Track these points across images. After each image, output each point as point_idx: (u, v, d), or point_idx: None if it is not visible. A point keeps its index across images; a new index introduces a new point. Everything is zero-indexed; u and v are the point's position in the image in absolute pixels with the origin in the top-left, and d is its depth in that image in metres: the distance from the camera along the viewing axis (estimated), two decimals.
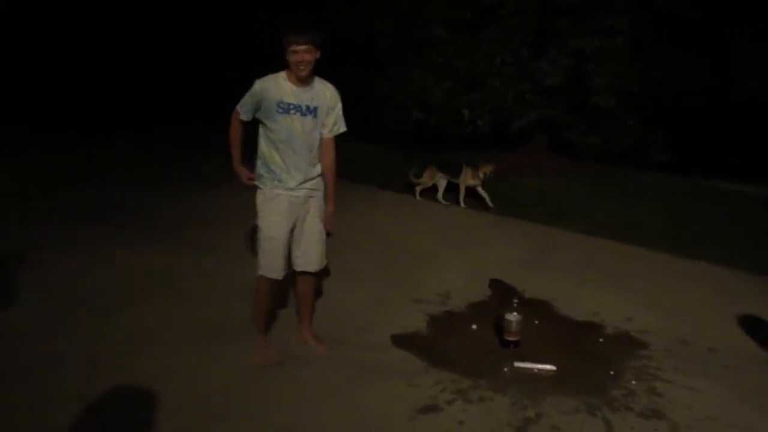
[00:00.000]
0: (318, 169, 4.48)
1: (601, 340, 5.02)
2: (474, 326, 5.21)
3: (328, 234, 4.64)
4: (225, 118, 4.52)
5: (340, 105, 4.46)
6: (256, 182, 4.42)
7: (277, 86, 4.21)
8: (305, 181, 4.40)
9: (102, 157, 13.10)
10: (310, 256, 4.55)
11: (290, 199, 4.36)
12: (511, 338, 4.80)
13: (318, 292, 5.55)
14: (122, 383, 4.17)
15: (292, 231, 4.44)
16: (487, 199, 9.32)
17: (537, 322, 5.30)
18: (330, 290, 5.88)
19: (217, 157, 11.67)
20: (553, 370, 4.46)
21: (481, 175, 9.22)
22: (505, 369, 4.51)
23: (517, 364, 4.55)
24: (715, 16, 10.55)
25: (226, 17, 18.53)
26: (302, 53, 4.06)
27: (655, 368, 4.54)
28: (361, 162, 12.10)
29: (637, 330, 5.16)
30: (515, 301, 4.83)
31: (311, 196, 4.48)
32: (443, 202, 9.53)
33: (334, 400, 4.05)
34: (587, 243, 7.60)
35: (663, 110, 11.31)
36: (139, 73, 21.09)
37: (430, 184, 9.68)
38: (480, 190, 9.36)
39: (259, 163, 4.40)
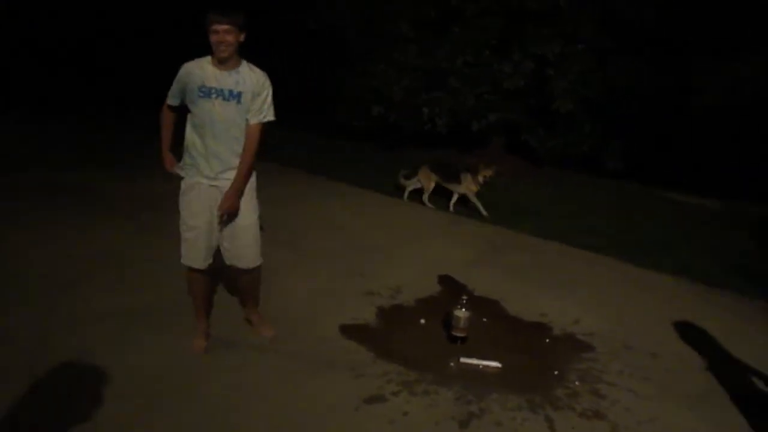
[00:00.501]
0: (238, 158, 4.24)
1: (547, 340, 5.06)
2: (422, 321, 5.22)
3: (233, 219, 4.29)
4: None
5: (268, 92, 4.20)
6: (177, 170, 4.28)
7: (200, 70, 4.05)
8: (225, 171, 4.17)
9: (63, 137, 12.90)
10: (238, 252, 4.38)
11: (209, 188, 4.17)
12: (458, 334, 4.82)
13: (267, 280, 5.53)
14: (68, 362, 4.13)
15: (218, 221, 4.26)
16: (480, 208, 8.89)
17: (485, 320, 5.32)
18: (281, 279, 5.84)
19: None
20: (499, 367, 4.49)
21: (480, 179, 8.81)
22: (452, 364, 4.53)
23: (463, 359, 4.56)
24: (677, 28, 10.71)
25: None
26: (223, 33, 3.91)
27: (599, 371, 4.59)
28: (324, 155, 12.09)
29: (584, 332, 5.22)
30: (464, 297, 4.85)
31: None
32: (429, 204, 9.22)
33: (280, 388, 4.05)
34: (539, 245, 7.66)
35: (621, 118, 11.46)
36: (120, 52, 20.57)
37: (424, 186, 9.22)
38: (473, 197, 8.96)
39: (184, 149, 4.24)
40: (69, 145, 11.98)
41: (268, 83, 4.19)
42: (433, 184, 9.19)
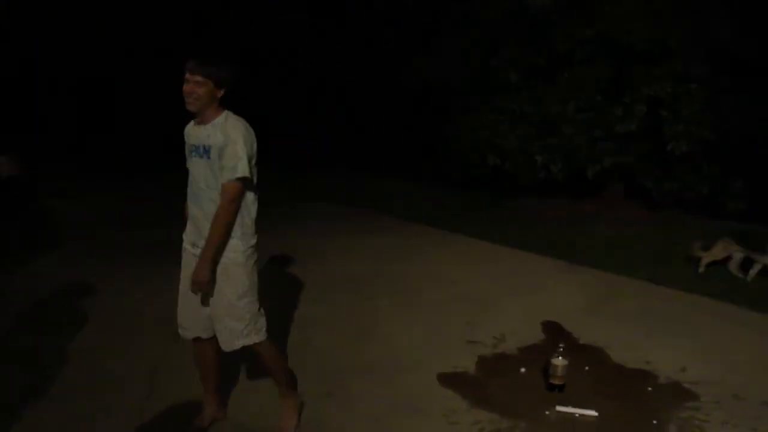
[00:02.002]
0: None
1: (650, 389, 4.97)
2: (522, 369, 5.24)
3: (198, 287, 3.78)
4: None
5: (235, 146, 3.67)
6: None
7: (189, 129, 3.92)
8: (202, 239, 3.78)
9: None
10: (217, 330, 3.99)
11: (193, 257, 3.86)
12: (555, 382, 4.82)
13: (372, 329, 5.75)
14: (176, 404, 4.44)
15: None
16: None
17: (587, 368, 5.28)
18: (387, 328, 6.04)
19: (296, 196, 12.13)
20: (595, 416, 4.45)
21: None
22: (547, 413, 4.53)
23: (559, 408, 4.56)
24: None
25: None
26: (194, 85, 3.66)
27: (701, 420, 4.47)
28: (438, 207, 12.24)
29: (690, 381, 5.08)
30: (561, 345, 4.85)
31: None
32: (739, 274, 8.28)
33: (379, 429, 4.19)
34: (651, 292, 7.48)
35: (740, 158, 11.06)
36: None
37: (721, 257, 8.45)
38: None
39: None
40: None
41: (236, 134, 3.69)
42: (741, 255, 8.39)
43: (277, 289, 7.06)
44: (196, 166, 3.81)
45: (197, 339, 4.12)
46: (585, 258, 8.85)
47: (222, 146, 3.67)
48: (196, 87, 3.67)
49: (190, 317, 4.03)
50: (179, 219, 4.04)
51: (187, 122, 3.97)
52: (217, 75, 3.70)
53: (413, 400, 4.65)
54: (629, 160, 11.43)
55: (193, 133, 3.84)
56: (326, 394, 4.69)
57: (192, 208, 3.87)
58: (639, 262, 8.71)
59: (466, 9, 12.71)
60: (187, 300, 3.97)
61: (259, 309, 4.00)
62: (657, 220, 11.52)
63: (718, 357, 5.57)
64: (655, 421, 4.44)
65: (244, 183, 3.74)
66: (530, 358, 5.44)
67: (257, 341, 3.99)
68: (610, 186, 12.68)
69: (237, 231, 3.81)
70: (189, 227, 3.94)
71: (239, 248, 3.82)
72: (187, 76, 3.68)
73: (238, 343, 3.95)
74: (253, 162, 3.81)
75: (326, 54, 17.59)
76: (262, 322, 4.04)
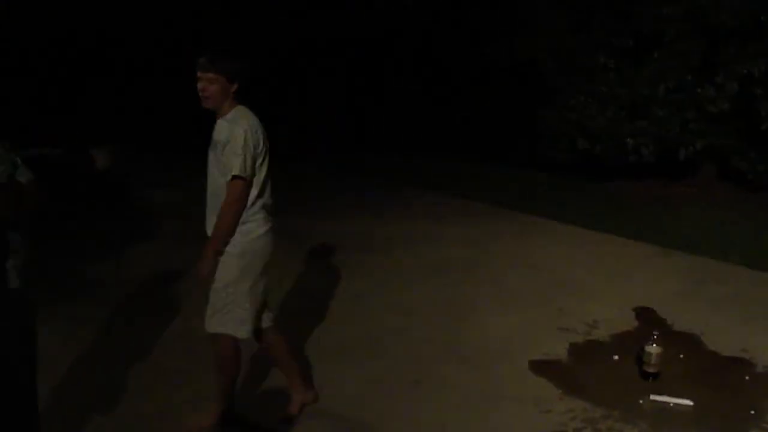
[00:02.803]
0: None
1: (747, 377, 4.91)
2: (616, 357, 5.25)
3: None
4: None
5: (235, 143, 3.72)
6: None
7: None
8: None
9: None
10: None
11: None
12: (650, 370, 4.82)
13: (465, 317, 5.86)
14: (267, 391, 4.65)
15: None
16: None
17: (682, 356, 5.25)
18: (478, 316, 6.13)
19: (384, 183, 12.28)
20: (690, 406, 4.44)
21: None
22: (641, 401, 4.54)
23: (653, 396, 4.56)
24: None
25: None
26: (206, 82, 3.74)
27: None
28: (524, 191, 12.19)
29: None
30: (655, 333, 4.84)
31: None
32: None
33: (468, 417, 4.31)
34: (748, 277, 7.33)
35: None
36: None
37: None
38: None
39: None
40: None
41: (238, 131, 3.74)
42: None
43: (373, 275, 7.24)
44: (210, 160, 3.91)
45: (255, 331, 4.11)
46: (678, 242, 8.70)
47: (225, 143, 3.74)
48: (208, 84, 3.74)
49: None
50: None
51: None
52: (228, 70, 3.76)
53: (504, 388, 4.73)
54: (722, 141, 11.15)
55: (215, 127, 3.91)
56: (416, 381, 4.81)
57: (207, 200, 3.95)
58: (734, 246, 8.51)
59: None
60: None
61: (243, 306, 3.94)
62: (752, 202, 11.20)
63: None
64: (752, 411, 4.40)
65: (245, 180, 3.76)
66: (623, 346, 5.44)
67: (223, 332, 3.97)
68: (703, 168, 12.38)
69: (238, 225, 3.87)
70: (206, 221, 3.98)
71: (237, 240, 3.86)
72: (199, 74, 3.75)
73: (209, 328, 3.99)
74: (259, 161, 3.85)
75: (416, 36, 17.64)
76: (241, 320, 3.96)
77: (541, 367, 5.06)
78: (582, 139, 12.10)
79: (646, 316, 6.16)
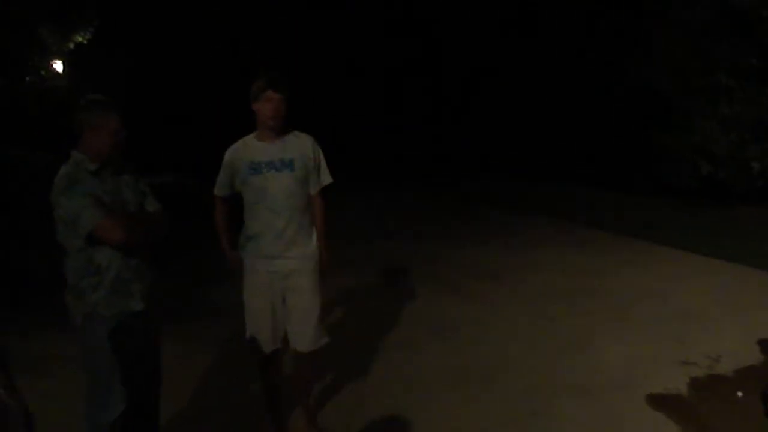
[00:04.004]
0: (306, 233, 4.18)
1: None
2: (740, 393, 5.05)
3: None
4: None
5: (320, 155, 4.19)
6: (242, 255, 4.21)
7: (246, 148, 4.09)
8: (289, 248, 4.08)
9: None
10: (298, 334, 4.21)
11: (270, 271, 4.09)
12: None
13: (584, 346, 5.78)
14: (381, 420, 4.68)
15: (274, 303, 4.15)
16: None
17: None
18: (593, 342, 6.02)
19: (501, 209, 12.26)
20: None
21: None
22: None
23: None
24: None
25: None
26: (278, 102, 3.95)
27: None
28: (645, 217, 11.90)
29: None
30: None
31: (295, 269, 4.11)
32: None
33: None
34: None
35: None
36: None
37: None
38: None
39: (242, 233, 4.20)
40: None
41: (316, 146, 4.19)
42: None
43: (484, 303, 7.24)
44: (276, 179, 4.02)
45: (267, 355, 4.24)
46: None
47: (309, 157, 4.13)
48: (281, 105, 3.98)
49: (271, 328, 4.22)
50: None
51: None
52: (289, 93, 4.02)
53: (621, 421, 4.62)
54: None
55: (263, 150, 4.06)
56: (532, 413, 4.76)
57: (273, 220, 4.03)
58: None
59: (669, 10, 12.29)
60: (267, 318, 4.18)
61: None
62: None
63: None
64: None
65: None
66: (748, 382, 5.22)
67: (320, 346, 4.26)
68: None
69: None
70: (267, 240, 4.06)
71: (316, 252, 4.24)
72: (270, 95, 3.96)
73: (312, 346, 4.24)
74: None
75: (527, 62, 17.60)
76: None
77: (660, 402, 4.92)
78: (705, 163, 11.72)
79: None
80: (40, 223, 3.76)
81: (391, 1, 20.20)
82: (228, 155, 4.15)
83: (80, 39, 15.71)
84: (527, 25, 17.41)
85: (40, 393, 4.19)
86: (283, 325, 4.18)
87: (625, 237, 10.63)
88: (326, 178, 4.24)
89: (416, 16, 20.01)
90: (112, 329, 3.34)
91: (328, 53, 19.69)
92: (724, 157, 11.46)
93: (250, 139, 4.14)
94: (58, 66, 15.62)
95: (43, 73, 15.42)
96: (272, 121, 4.00)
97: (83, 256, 3.29)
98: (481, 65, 19.12)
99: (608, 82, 14.16)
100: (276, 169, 4.02)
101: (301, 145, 4.13)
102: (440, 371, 5.50)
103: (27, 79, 15.13)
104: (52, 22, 14.49)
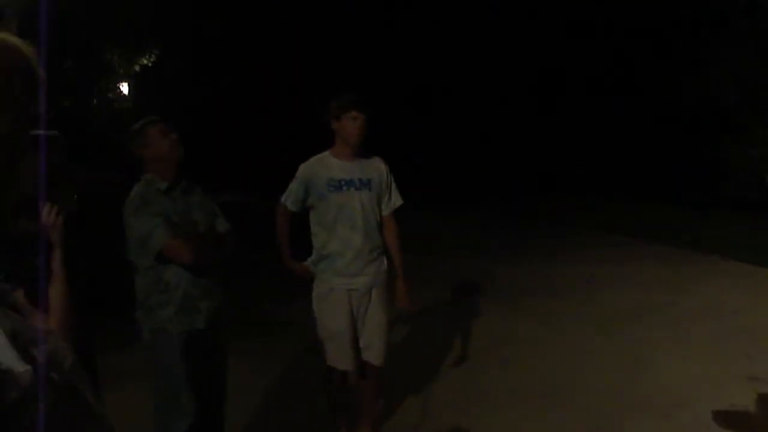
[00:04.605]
0: (380, 251, 4.28)
1: None
2: None
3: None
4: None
5: (391, 177, 4.34)
6: (312, 271, 4.25)
7: (323, 165, 4.14)
8: (367, 265, 4.18)
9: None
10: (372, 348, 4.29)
11: (349, 289, 4.15)
12: None
13: (645, 361, 5.70)
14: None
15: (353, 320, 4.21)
16: None
17: None
18: (658, 358, 5.95)
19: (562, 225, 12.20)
20: None
21: None
22: None
23: None
24: None
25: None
26: (362, 121, 4.04)
27: None
28: (710, 231, 11.68)
29: None
30: None
31: (372, 285, 4.23)
32: None
33: None
34: None
35: None
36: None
37: None
38: None
39: (314, 252, 4.22)
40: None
41: (387, 168, 4.34)
42: None
43: (548, 320, 7.21)
44: (355, 198, 4.12)
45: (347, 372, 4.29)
46: None
47: (384, 179, 4.29)
48: (365, 124, 4.09)
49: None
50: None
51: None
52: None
53: None
54: None
55: (342, 168, 4.14)
56: (596, 428, 4.74)
57: (351, 238, 4.11)
58: None
59: (729, 21, 12.11)
60: (349, 336, 4.22)
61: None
62: None
63: None
64: None
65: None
66: None
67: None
68: None
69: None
70: (346, 257, 4.13)
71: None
72: (356, 114, 4.07)
73: (384, 361, 4.36)
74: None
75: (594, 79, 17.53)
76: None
77: (726, 419, 4.83)
78: None
79: None
80: (112, 241, 3.89)
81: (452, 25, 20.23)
82: (304, 170, 4.18)
83: (145, 62, 16.20)
84: (590, 38, 17.30)
85: (111, 407, 4.32)
86: (357, 341, 4.24)
87: (691, 252, 10.45)
88: (398, 200, 4.38)
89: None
90: (180, 346, 3.45)
91: (396, 76, 19.79)
92: None
93: (326, 157, 4.20)
94: (125, 88, 16.13)
95: (110, 95, 15.95)
96: (356, 140, 4.10)
97: (152, 274, 3.42)
98: (547, 85, 19.11)
99: (673, 97, 13.98)
100: (356, 188, 4.12)
101: (377, 166, 4.28)
102: (503, 388, 5.49)
103: (95, 101, 15.67)
104: (119, 46, 14.99)
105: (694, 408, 5.00)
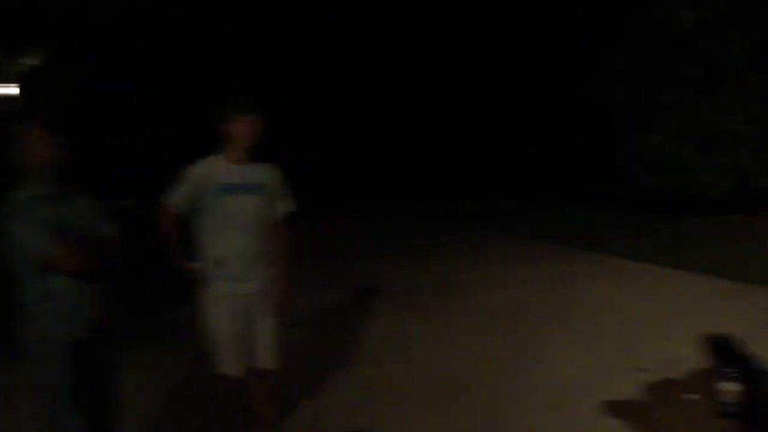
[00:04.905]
0: (268, 256, 4.22)
1: None
2: (692, 396, 5.14)
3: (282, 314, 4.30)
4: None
5: (283, 183, 4.33)
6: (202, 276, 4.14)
7: (215, 168, 4.06)
8: (256, 270, 4.14)
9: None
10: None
11: (239, 294, 4.09)
12: (728, 409, 4.71)
13: (536, 358, 5.83)
14: None
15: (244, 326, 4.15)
16: None
17: (762, 393, 5.11)
18: (548, 354, 6.10)
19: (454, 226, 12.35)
20: None
21: None
22: None
23: None
24: None
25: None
26: (255, 125, 4.03)
27: None
28: (596, 229, 12.08)
29: None
30: (733, 370, 4.74)
31: (261, 289, 4.19)
32: None
33: None
34: None
35: None
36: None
37: None
38: None
39: (203, 257, 4.11)
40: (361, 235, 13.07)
41: (279, 173, 4.31)
42: None
43: (445, 320, 7.29)
44: (245, 202, 4.08)
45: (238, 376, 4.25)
46: (757, 277, 8.49)
47: (270, 184, 4.24)
48: (258, 128, 4.08)
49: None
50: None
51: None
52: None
53: (578, 429, 4.69)
54: None
55: (232, 171, 4.07)
56: (491, 426, 4.80)
57: (241, 242, 4.06)
58: None
59: (618, 28, 12.59)
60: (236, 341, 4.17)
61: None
62: None
63: None
64: None
65: None
66: (700, 384, 5.32)
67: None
68: None
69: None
70: (235, 263, 4.06)
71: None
72: (249, 118, 4.05)
73: (276, 364, 4.32)
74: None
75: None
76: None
77: (614, 408, 4.97)
78: (657, 175, 11.97)
79: (723, 353, 6.01)
80: None
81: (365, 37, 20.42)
82: (195, 172, 4.08)
83: (35, 62, 15.52)
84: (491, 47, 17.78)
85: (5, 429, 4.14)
86: (249, 346, 4.17)
87: (578, 250, 10.78)
88: (291, 205, 4.37)
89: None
90: (65, 356, 3.31)
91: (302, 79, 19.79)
92: (674, 169, 11.70)
93: (218, 160, 4.12)
94: (13, 89, 15.41)
95: None
96: (249, 143, 4.05)
97: (34, 283, 3.27)
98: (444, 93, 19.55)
99: (563, 99, 14.41)
100: (247, 192, 4.07)
101: (268, 171, 4.24)
102: (400, 388, 5.51)
103: None
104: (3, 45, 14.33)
105: (586, 399, 5.12)
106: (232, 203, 4.02)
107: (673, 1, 11.33)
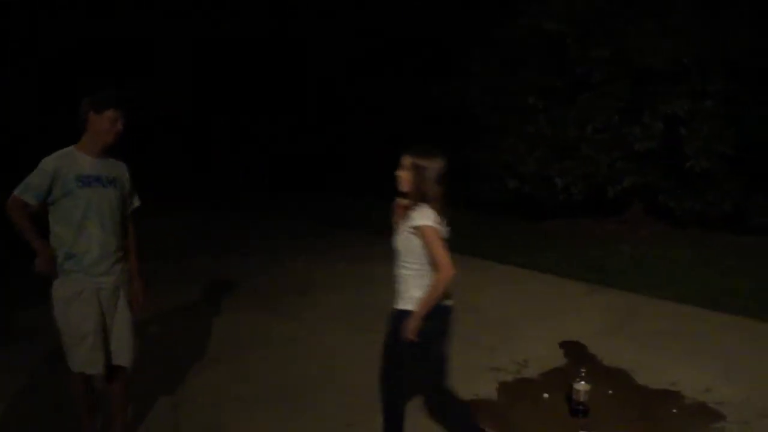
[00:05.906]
0: (124, 250, 4.16)
1: (675, 410, 4.92)
2: (546, 395, 5.21)
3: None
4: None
5: (129, 176, 4.25)
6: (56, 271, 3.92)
7: (72, 160, 3.90)
8: (114, 264, 4.05)
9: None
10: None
11: (97, 289, 3.97)
12: (579, 407, 4.79)
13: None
14: None
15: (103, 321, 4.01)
16: None
17: (611, 391, 5.24)
18: None
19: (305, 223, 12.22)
20: None
21: None
22: None
23: None
24: None
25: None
26: (119, 122, 3.95)
27: None
28: (455, 230, 12.20)
29: (715, 401, 5.02)
30: (582, 369, 4.83)
31: (119, 284, 4.10)
32: None
33: None
34: (675, 311, 7.42)
35: (763, 172, 10.90)
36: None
37: None
38: None
39: (57, 250, 3.90)
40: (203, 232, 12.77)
41: (127, 169, 4.25)
42: None
43: (302, 319, 7.11)
44: (103, 195, 3.98)
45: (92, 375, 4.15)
46: (608, 278, 8.81)
47: (126, 178, 4.22)
48: (121, 123, 4.00)
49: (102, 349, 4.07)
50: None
51: None
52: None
53: (435, 429, 4.63)
54: (649, 179, 11.39)
55: (90, 165, 3.96)
56: (347, 425, 4.71)
57: (100, 236, 3.96)
58: (663, 281, 8.65)
59: (483, 32, 12.80)
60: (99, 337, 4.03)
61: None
62: (680, 238, 11.45)
63: (745, 376, 5.51)
64: None
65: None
66: (553, 383, 5.41)
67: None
68: (632, 205, 12.64)
69: None
70: (94, 256, 3.95)
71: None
72: (114, 113, 3.95)
73: (131, 363, 4.22)
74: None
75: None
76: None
77: (472, 407, 4.98)
78: (513, 179, 12.25)
79: (576, 352, 6.15)
80: None
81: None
82: (51, 163, 3.86)
83: None
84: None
85: None
86: (107, 343, 4.05)
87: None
88: (137, 201, 4.34)
89: None
90: None
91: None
92: (530, 174, 11.99)
93: (73, 152, 3.96)
94: None
95: None
96: (112, 138, 3.97)
97: None
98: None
99: (430, 102, 14.53)
100: (103, 186, 3.99)
101: (120, 167, 4.19)
102: (257, 388, 5.32)
103: None
104: None
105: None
106: (88, 195, 3.92)
107: (539, 13, 11.55)
